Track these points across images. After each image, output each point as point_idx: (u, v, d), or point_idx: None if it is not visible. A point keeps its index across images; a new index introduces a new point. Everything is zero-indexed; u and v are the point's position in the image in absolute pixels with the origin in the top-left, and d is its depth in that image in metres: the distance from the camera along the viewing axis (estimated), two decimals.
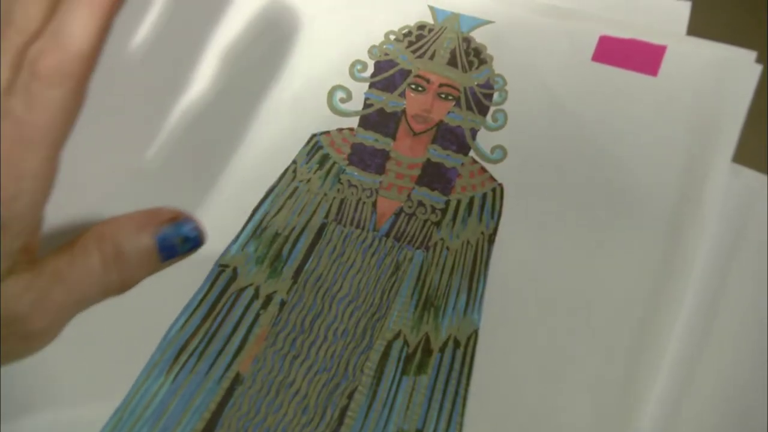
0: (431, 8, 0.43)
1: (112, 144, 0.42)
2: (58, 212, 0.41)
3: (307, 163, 0.41)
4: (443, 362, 0.38)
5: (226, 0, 0.44)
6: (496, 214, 0.40)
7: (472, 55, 0.42)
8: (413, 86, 0.42)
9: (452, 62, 0.42)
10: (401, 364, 0.38)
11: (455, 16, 0.42)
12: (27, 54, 0.29)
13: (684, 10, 0.41)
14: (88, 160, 0.41)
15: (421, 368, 0.38)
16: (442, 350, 0.38)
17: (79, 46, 0.30)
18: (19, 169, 0.29)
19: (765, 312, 0.37)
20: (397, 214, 0.40)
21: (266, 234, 0.40)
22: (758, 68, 0.39)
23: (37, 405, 0.37)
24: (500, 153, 0.40)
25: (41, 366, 0.38)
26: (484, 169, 0.40)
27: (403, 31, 0.43)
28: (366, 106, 0.42)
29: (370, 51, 0.43)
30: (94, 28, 0.30)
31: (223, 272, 0.40)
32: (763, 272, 0.37)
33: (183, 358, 0.38)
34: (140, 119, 0.42)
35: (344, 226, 0.40)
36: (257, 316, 0.39)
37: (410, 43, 0.42)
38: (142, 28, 0.44)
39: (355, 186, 0.41)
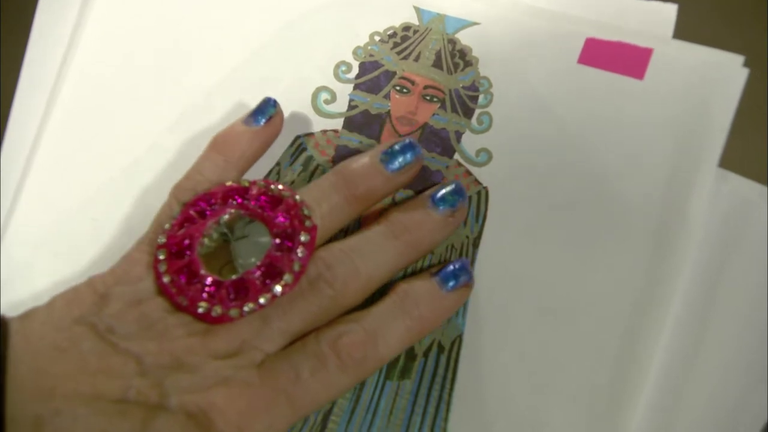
0: (416, 9, 0.42)
1: (98, 144, 0.42)
2: (56, 209, 0.41)
3: (290, 164, 0.41)
4: (427, 367, 0.38)
5: (211, 3, 0.43)
6: (480, 217, 0.39)
7: (458, 57, 0.42)
8: (398, 88, 0.41)
9: (437, 64, 0.41)
10: (385, 368, 0.38)
11: (440, 18, 0.42)
12: (336, 329, 0.33)
13: (671, 13, 0.41)
14: (76, 162, 0.41)
15: (404, 373, 0.38)
16: (425, 355, 0.38)
17: (390, 355, 0.34)
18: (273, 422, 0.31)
19: (753, 318, 0.37)
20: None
21: None
22: (745, 72, 0.39)
23: None
24: (485, 156, 0.40)
25: None
26: (469, 172, 0.40)
27: (388, 32, 0.42)
28: (350, 107, 0.42)
29: (355, 52, 0.42)
30: (405, 340, 0.34)
31: None
32: (750, 277, 0.37)
33: None
34: (126, 121, 0.42)
35: None
36: None
37: (395, 45, 0.42)
38: (127, 32, 0.43)
39: None
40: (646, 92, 0.39)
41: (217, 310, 0.31)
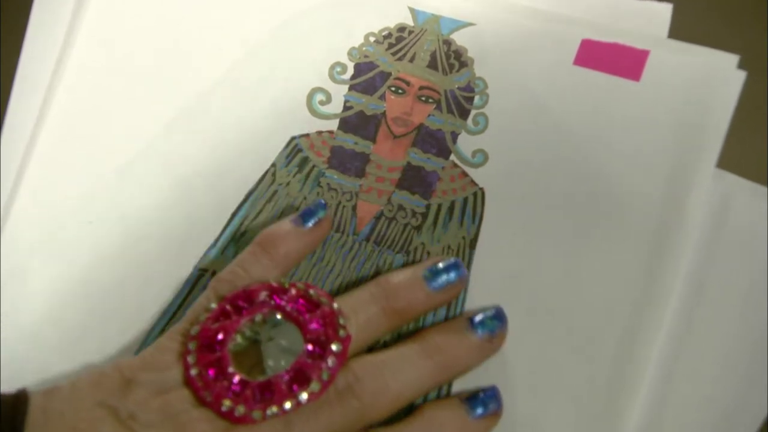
0: (411, 10, 0.42)
1: (95, 147, 0.42)
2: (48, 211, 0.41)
3: (286, 166, 0.41)
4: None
5: (206, 3, 0.43)
6: (477, 218, 0.39)
7: (453, 58, 0.41)
8: (393, 89, 0.41)
9: (433, 65, 0.41)
10: None
11: (435, 18, 0.42)
12: (355, 373, 0.33)
13: (666, 13, 0.41)
14: (72, 163, 0.41)
15: None
16: None
17: (399, 397, 0.34)
18: None
19: (750, 317, 0.37)
20: (378, 218, 0.40)
21: (245, 238, 0.40)
22: (742, 73, 0.39)
23: None
24: (481, 157, 0.40)
25: (24, 369, 0.38)
26: (465, 173, 0.40)
27: (383, 33, 0.42)
28: (346, 108, 0.42)
29: (350, 53, 0.42)
30: (421, 386, 0.34)
31: (203, 276, 0.40)
32: (747, 277, 0.37)
33: None
34: (121, 122, 0.42)
35: None
36: None
37: (390, 45, 0.42)
38: (122, 32, 0.43)
39: (335, 189, 0.41)
40: (643, 93, 0.39)
41: (240, 410, 0.31)
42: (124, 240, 0.40)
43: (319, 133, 0.41)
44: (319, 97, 0.42)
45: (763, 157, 0.39)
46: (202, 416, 0.31)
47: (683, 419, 0.36)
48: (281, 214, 0.40)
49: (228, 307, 0.34)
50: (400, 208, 0.40)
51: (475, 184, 0.40)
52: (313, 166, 0.41)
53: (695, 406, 0.36)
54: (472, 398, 0.35)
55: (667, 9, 0.41)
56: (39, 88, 0.43)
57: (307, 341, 0.32)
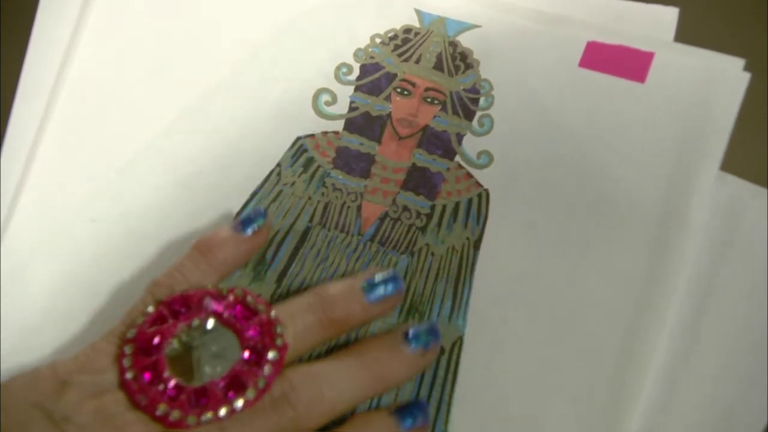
0: (417, 12, 0.42)
1: (98, 146, 0.42)
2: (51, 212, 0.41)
3: (291, 166, 0.41)
4: (427, 369, 0.38)
5: (211, 3, 0.43)
6: (481, 219, 0.39)
7: (459, 59, 0.42)
8: (399, 90, 0.42)
9: (438, 66, 0.42)
10: None
11: (441, 20, 0.42)
12: (290, 382, 0.33)
13: (672, 17, 0.41)
14: (75, 163, 0.41)
15: None
16: None
17: (334, 408, 0.33)
18: None
19: (751, 320, 0.37)
20: (382, 219, 0.40)
21: None
22: (746, 76, 0.39)
23: None
24: (486, 158, 0.40)
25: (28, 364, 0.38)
26: (469, 175, 0.40)
27: (389, 35, 0.42)
28: (351, 109, 0.42)
29: (356, 54, 0.42)
30: (355, 397, 0.34)
31: None
32: (749, 281, 0.37)
33: None
34: (124, 122, 0.42)
35: (328, 230, 0.40)
36: None
37: (396, 47, 0.42)
38: (125, 33, 0.43)
39: (340, 190, 0.41)
40: (648, 96, 0.40)
41: (175, 415, 0.31)
42: (126, 239, 0.40)
43: (325, 133, 0.41)
44: (325, 97, 0.42)
45: (764, 159, 0.40)
46: (137, 419, 0.31)
47: (685, 421, 0.36)
48: (286, 214, 0.40)
49: (165, 311, 0.34)
50: (405, 208, 0.40)
51: (480, 186, 0.40)
52: (318, 167, 0.41)
53: (697, 408, 0.36)
54: (401, 410, 0.35)
55: (674, 13, 0.41)
56: (43, 88, 0.43)
57: (244, 348, 0.32)
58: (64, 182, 0.41)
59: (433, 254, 0.39)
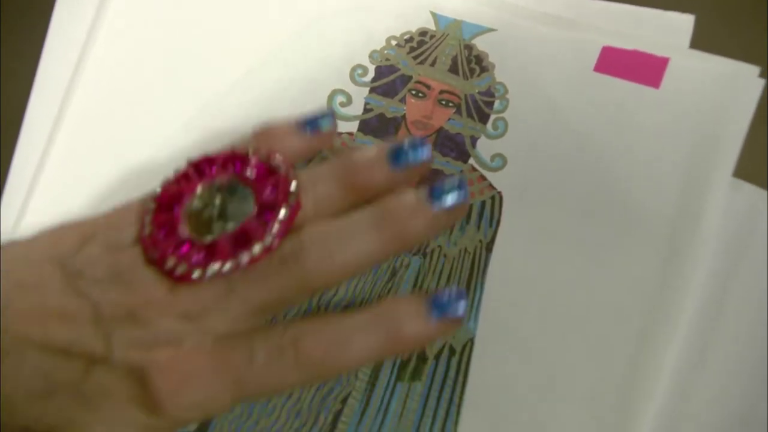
0: (433, 14, 0.43)
1: (114, 144, 0.42)
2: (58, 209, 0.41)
3: (305, 167, 0.41)
4: (438, 370, 0.38)
5: (228, 3, 0.44)
6: (494, 222, 0.40)
7: (474, 63, 0.42)
8: (414, 92, 0.42)
9: (453, 69, 0.42)
10: (396, 370, 0.38)
11: (457, 23, 0.42)
12: (304, 326, 0.31)
13: (688, 24, 0.41)
14: (90, 160, 0.42)
15: (415, 375, 0.38)
16: (437, 357, 0.38)
17: (353, 367, 0.33)
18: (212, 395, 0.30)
19: (764, 327, 0.37)
20: None
21: None
22: (761, 83, 0.39)
23: None
24: (500, 161, 0.40)
25: None
26: (483, 177, 0.40)
27: (405, 37, 0.43)
28: (366, 110, 0.42)
29: (371, 56, 0.42)
30: (373, 356, 0.32)
31: None
32: (762, 288, 0.37)
33: None
34: (140, 121, 0.42)
35: None
36: None
37: (411, 49, 0.42)
38: (142, 31, 0.44)
39: None
40: (662, 101, 0.40)
41: (181, 269, 0.30)
42: None
43: (339, 134, 0.42)
44: (340, 98, 0.42)
45: None
46: (149, 275, 0.31)
47: (696, 426, 0.36)
48: None
49: (191, 171, 0.34)
50: None
51: (493, 188, 0.40)
52: None
53: (709, 413, 0.36)
54: (435, 299, 0.32)
55: (689, 20, 0.41)
56: (59, 86, 0.43)
57: (257, 205, 0.32)
58: (79, 181, 0.41)
59: (445, 256, 0.39)
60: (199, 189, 0.33)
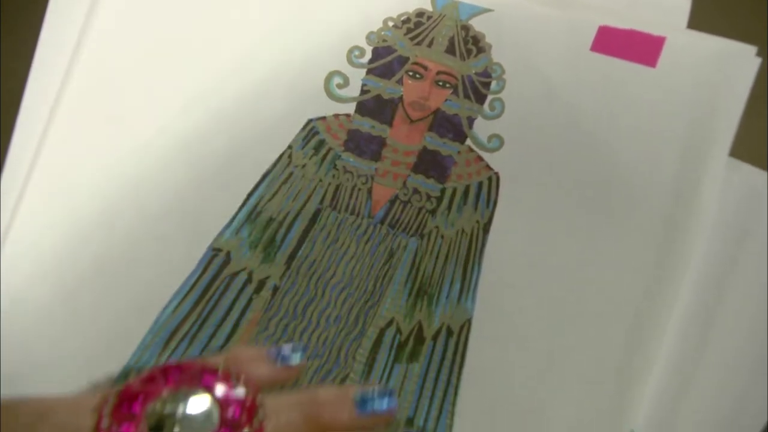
0: None
1: (113, 125, 0.42)
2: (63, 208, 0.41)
3: (302, 148, 0.41)
4: (435, 350, 0.38)
5: None
6: (491, 203, 0.40)
7: (471, 43, 0.42)
8: (411, 73, 0.42)
9: (450, 50, 0.42)
10: (393, 351, 0.38)
11: (454, 4, 0.42)
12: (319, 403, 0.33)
13: (685, 3, 0.41)
14: (86, 144, 0.42)
15: (413, 356, 0.38)
16: (434, 338, 0.38)
17: None
18: None
19: (763, 307, 0.37)
20: (392, 202, 0.40)
21: (260, 219, 0.40)
22: (757, 62, 0.39)
23: (29, 384, 0.38)
24: (497, 142, 0.40)
25: (35, 345, 0.38)
26: (480, 158, 0.40)
27: (402, 18, 0.42)
28: (363, 92, 0.42)
29: (368, 37, 0.42)
30: None
31: (216, 256, 0.40)
32: (761, 267, 0.38)
33: (174, 342, 0.38)
34: (139, 105, 0.42)
35: (339, 212, 0.40)
36: (250, 300, 0.39)
37: (409, 30, 0.42)
38: (139, 14, 0.43)
39: (351, 172, 0.41)
40: (659, 80, 0.40)
41: None
42: (140, 218, 0.40)
43: (336, 116, 0.41)
44: (337, 80, 0.42)
45: None
46: None
47: (693, 408, 0.36)
48: (296, 196, 0.40)
49: (158, 374, 0.34)
50: (415, 191, 0.40)
51: (490, 169, 0.40)
52: (330, 149, 0.41)
53: (705, 395, 0.36)
54: (364, 394, 0.35)
55: (686, 1, 0.41)
56: (57, 68, 0.43)
57: (222, 422, 0.32)
58: (77, 162, 0.41)
59: (442, 237, 0.39)
60: (165, 393, 0.33)
